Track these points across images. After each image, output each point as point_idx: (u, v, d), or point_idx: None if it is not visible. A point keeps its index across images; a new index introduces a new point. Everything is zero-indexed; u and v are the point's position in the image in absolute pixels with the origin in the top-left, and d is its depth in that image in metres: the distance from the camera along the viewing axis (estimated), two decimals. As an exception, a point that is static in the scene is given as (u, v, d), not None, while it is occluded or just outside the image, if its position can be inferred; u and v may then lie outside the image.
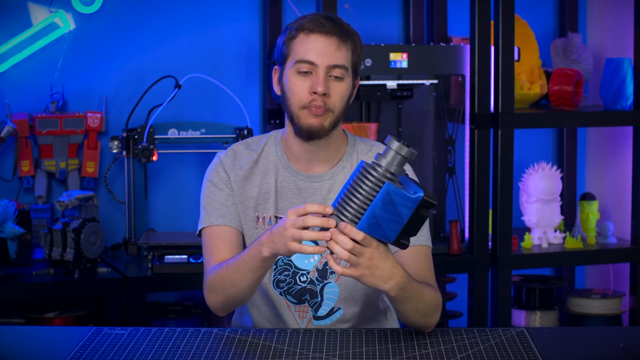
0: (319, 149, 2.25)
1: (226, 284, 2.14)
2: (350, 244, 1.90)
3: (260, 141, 2.33)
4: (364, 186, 1.87)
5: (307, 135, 2.20)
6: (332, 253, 1.93)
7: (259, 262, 2.06)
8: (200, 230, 2.28)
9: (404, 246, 1.92)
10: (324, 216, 1.92)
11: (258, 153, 2.30)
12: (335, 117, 2.21)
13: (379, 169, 1.87)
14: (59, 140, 3.51)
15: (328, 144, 2.25)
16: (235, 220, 2.26)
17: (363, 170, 1.88)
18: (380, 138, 3.33)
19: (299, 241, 1.94)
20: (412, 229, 1.89)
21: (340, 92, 2.20)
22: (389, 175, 1.87)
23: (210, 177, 2.31)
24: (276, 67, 2.27)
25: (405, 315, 2.09)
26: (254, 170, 2.28)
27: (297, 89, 2.19)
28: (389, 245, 1.95)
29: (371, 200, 1.87)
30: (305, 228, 1.94)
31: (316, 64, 2.18)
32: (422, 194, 1.85)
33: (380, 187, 1.86)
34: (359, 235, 1.89)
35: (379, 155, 1.89)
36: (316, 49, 2.18)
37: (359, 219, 1.88)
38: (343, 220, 1.89)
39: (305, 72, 2.18)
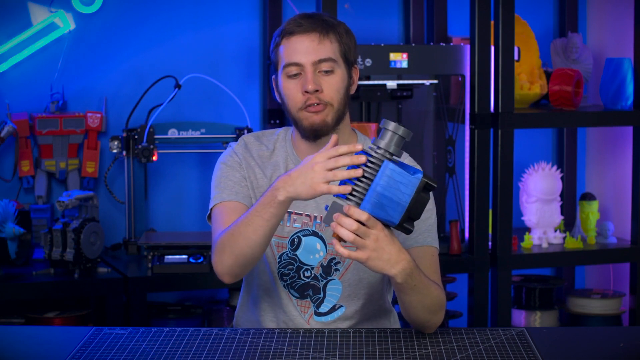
0: None
1: (237, 239, 2.08)
2: (354, 225, 1.91)
3: (271, 137, 2.34)
4: (365, 168, 1.90)
5: (313, 134, 2.21)
6: (340, 240, 1.94)
7: (273, 209, 2.02)
8: (211, 210, 2.26)
9: (408, 231, 1.94)
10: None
11: (270, 150, 2.31)
12: (336, 109, 2.21)
13: (378, 150, 1.91)
14: (59, 140, 3.51)
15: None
16: (248, 200, 2.26)
17: (363, 154, 1.92)
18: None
19: (328, 182, 1.94)
20: (414, 212, 1.91)
21: (333, 84, 2.21)
22: (388, 156, 1.91)
23: (224, 160, 2.30)
24: (274, 76, 2.29)
25: (410, 309, 2.09)
26: (265, 165, 2.29)
27: (291, 93, 2.21)
28: (393, 231, 1.97)
29: (372, 181, 1.90)
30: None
31: (302, 64, 2.19)
32: (421, 174, 1.89)
33: (379, 167, 1.89)
34: (363, 215, 1.91)
35: (376, 139, 1.92)
36: (299, 50, 2.20)
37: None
38: (347, 204, 1.92)
39: (295, 74, 2.20)
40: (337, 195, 1.93)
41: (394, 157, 1.92)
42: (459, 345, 2.07)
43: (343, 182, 1.94)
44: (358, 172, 1.91)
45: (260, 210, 2.04)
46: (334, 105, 2.21)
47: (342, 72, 2.23)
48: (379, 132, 1.93)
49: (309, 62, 2.19)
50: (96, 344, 2.08)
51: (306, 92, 2.18)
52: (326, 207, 1.96)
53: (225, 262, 2.12)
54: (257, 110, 3.77)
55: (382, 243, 1.94)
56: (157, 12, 3.66)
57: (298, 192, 1.98)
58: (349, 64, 2.25)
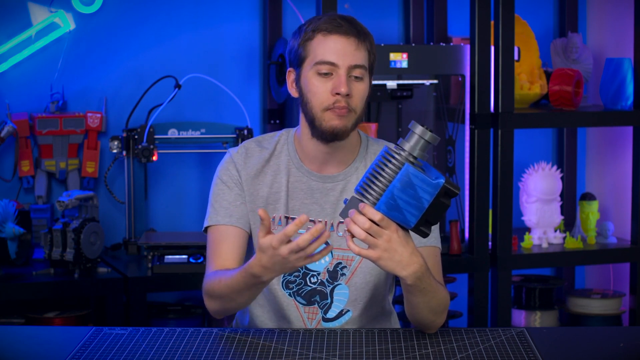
0: (336, 150, 2.24)
1: (224, 298, 2.14)
2: (367, 223, 1.91)
3: (272, 139, 2.31)
4: (385, 169, 1.90)
5: (331, 137, 2.19)
6: (353, 236, 1.94)
7: (262, 286, 2.08)
8: (207, 227, 2.28)
9: (425, 234, 1.93)
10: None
11: (270, 152, 2.29)
12: (357, 117, 2.21)
13: (402, 152, 1.90)
14: (59, 140, 3.51)
15: (344, 145, 2.24)
16: (243, 220, 2.25)
17: (386, 153, 1.91)
18: (380, 138, 3.33)
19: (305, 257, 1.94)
20: (433, 216, 1.91)
21: (360, 92, 2.20)
22: (411, 159, 1.90)
23: (220, 175, 2.29)
24: (290, 69, 2.26)
25: (415, 310, 2.09)
26: (265, 169, 2.27)
27: (319, 91, 2.18)
28: (409, 233, 1.96)
29: (391, 183, 1.89)
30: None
31: (337, 65, 2.16)
32: (443, 180, 1.88)
33: (400, 169, 1.89)
34: (377, 215, 1.90)
35: (402, 140, 1.91)
36: (336, 50, 2.17)
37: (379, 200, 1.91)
38: (364, 202, 1.92)
39: (326, 74, 2.17)
40: (358, 191, 1.93)
41: (418, 161, 1.91)
42: (459, 345, 2.07)
43: (363, 179, 1.94)
44: (326, 235, 1.90)
45: (246, 285, 2.07)
46: (357, 112, 2.20)
47: (368, 82, 2.22)
48: (407, 133, 1.93)
49: (345, 65, 2.16)
50: (96, 344, 2.08)
51: (337, 94, 2.16)
52: (345, 201, 1.96)
53: (214, 308, 2.21)
54: (257, 110, 3.77)
55: (394, 244, 1.93)
56: (157, 12, 3.66)
57: (284, 272, 2.02)
58: (371, 74, 2.25)
